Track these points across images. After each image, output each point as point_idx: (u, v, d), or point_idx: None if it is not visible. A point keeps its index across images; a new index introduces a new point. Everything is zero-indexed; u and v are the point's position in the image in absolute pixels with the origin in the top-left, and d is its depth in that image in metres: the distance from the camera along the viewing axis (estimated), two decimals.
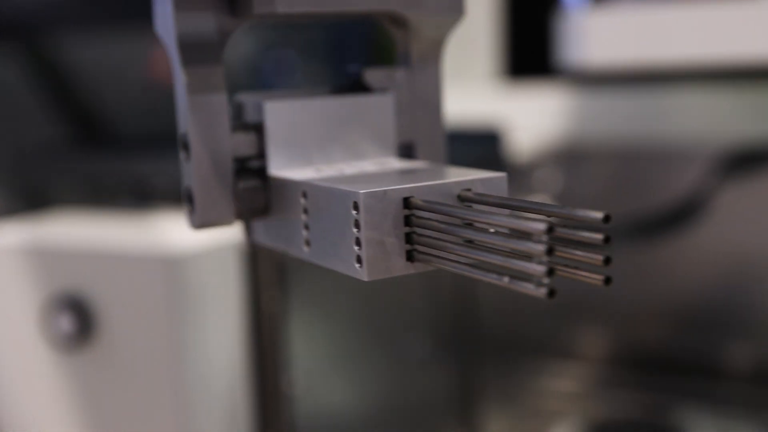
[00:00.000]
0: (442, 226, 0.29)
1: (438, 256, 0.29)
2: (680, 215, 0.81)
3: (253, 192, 0.35)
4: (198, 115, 0.34)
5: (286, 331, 0.62)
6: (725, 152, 0.81)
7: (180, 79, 0.34)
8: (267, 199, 0.35)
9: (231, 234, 0.55)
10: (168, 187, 0.64)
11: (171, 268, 0.54)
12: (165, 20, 0.34)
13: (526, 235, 0.25)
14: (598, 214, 0.25)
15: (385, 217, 0.29)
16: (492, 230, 0.27)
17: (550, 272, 0.25)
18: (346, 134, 0.36)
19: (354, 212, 0.29)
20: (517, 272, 0.26)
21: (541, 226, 0.24)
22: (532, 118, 0.93)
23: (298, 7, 0.34)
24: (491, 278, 0.26)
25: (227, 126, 0.35)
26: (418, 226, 0.30)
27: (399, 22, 0.37)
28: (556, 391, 0.95)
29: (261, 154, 0.36)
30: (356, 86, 0.38)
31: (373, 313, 0.75)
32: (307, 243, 0.33)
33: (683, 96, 0.90)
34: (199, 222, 0.34)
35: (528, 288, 0.25)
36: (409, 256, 0.30)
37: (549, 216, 0.27)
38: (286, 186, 0.34)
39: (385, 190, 0.29)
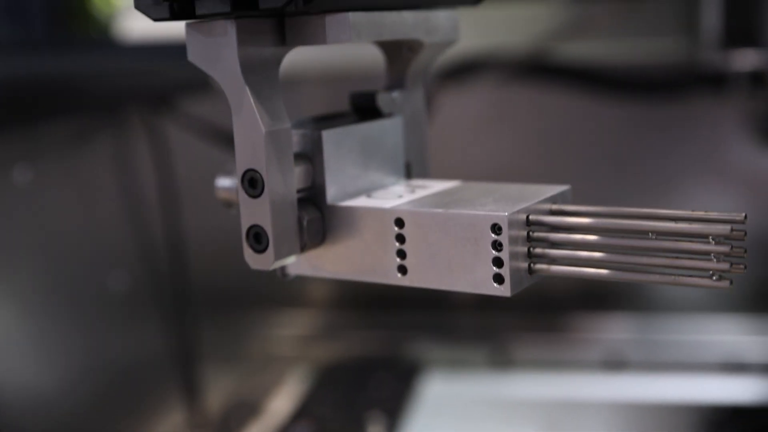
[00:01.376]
0: (577, 237, 0.32)
1: (571, 265, 0.32)
2: None
3: (316, 223, 0.35)
4: (270, 148, 0.32)
5: None
6: (442, 64, 0.89)
7: (247, 113, 0.32)
8: (324, 229, 0.35)
9: None
10: None
11: None
12: (214, 51, 0.32)
13: (699, 237, 0.29)
14: (740, 216, 0.30)
15: (518, 235, 0.32)
16: (652, 236, 0.30)
17: (731, 266, 0.29)
18: (373, 158, 0.37)
19: (493, 234, 0.31)
20: (688, 270, 0.30)
21: (727, 229, 0.29)
22: None
23: (343, 39, 0.34)
24: (655, 279, 0.30)
25: (292, 158, 0.34)
26: (537, 240, 0.32)
27: (411, 48, 0.38)
28: (286, 337, 0.97)
29: (312, 185, 0.35)
30: (366, 110, 0.38)
31: (64, 247, 0.66)
32: (402, 269, 0.33)
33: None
34: (274, 260, 0.33)
35: (706, 282, 0.29)
36: (530, 269, 0.32)
37: (682, 220, 0.31)
38: (363, 214, 0.34)
39: (517, 210, 0.31)
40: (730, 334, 0.88)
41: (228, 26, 0.32)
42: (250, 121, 0.32)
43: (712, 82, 0.80)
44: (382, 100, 0.38)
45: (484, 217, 0.31)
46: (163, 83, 0.78)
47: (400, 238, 0.33)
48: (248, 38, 0.32)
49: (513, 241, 0.31)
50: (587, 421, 0.80)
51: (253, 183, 0.33)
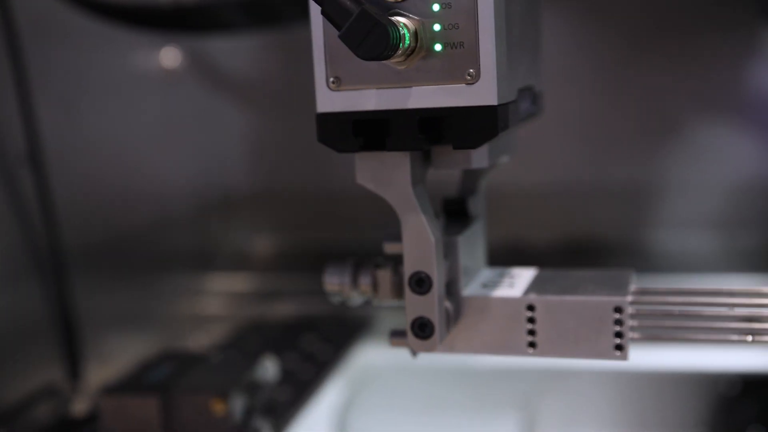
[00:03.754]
0: (669, 309, 0.42)
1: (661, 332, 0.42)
2: None
3: (456, 311, 0.42)
4: (437, 254, 0.40)
5: None
6: None
7: (419, 226, 0.39)
8: (457, 315, 0.43)
9: None
10: None
11: None
12: (387, 176, 0.39)
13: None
14: None
15: (631, 313, 0.41)
16: (730, 309, 0.41)
17: None
18: (474, 253, 0.45)
19: (616, 314, 0.40)
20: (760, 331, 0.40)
21: None
22: None
23: (482, 164, 0.42)
24: (733, 339, 0.41)
25: (443, 260, 0.41)
26: (637, 316, 0.42)
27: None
28: (213, 298, 0.95)
29: (448, 280, 0.42)
30: (456, 213, 0.46)
31: None
32: (532, 345, 0.42)
33: None
34: (438, 343, 0.40)
35: None
36: (633, 338, 0.42)
37: (740, 294, 0.42)
38: (497, 302, 0.42)
39: (628, 293, 0.41)
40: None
41: (402, 157, 0.39)
42: (420, 233, 0.39)
43: None
44: (471, 205, 0.46)
45: (609, 302, 0.40)
46: None
47: (531, 320, 0.42)
48: (413, 164, 0.39)
49: (631, 317, 0.41)
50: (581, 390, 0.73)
51: (420, 283, 0.40)
